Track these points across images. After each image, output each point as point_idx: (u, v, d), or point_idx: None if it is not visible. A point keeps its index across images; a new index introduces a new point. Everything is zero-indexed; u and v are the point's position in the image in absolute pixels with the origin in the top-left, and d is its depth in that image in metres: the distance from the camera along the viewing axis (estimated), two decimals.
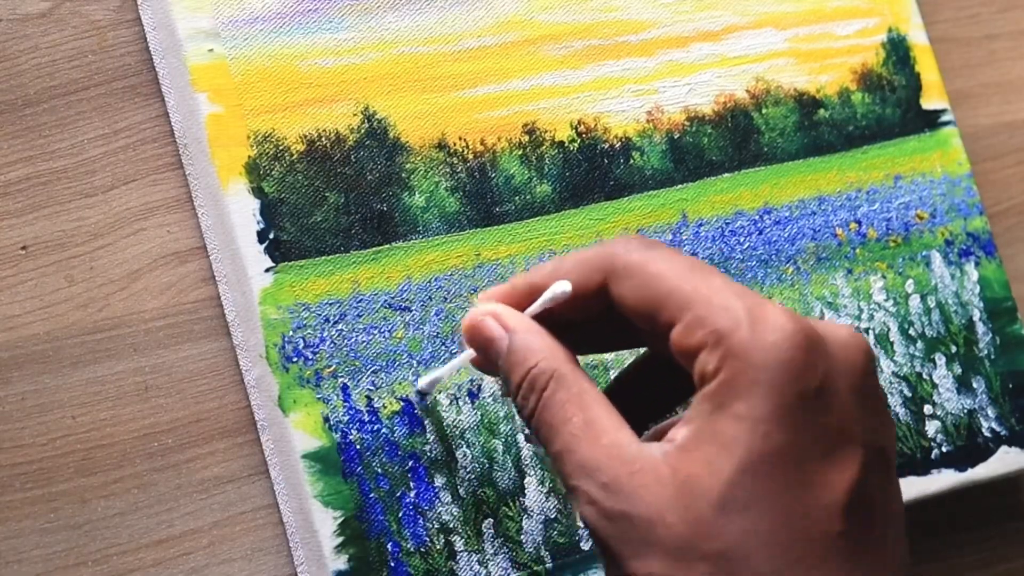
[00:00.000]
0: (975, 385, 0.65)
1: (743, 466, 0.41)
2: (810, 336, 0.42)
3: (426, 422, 0.56)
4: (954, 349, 0.65)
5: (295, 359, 0.55)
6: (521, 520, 0.57)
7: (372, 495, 0.55)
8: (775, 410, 0.41)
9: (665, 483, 0.42)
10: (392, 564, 0.54)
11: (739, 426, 0.41)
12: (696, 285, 0.44)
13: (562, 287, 0.46)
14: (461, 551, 0.56)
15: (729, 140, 0.64)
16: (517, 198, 0.59)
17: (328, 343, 0.55)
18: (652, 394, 0.50)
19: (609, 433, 0.44)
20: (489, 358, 0.48)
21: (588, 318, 0.48)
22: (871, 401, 0.44)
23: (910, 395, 0.64)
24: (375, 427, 0.55)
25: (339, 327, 0.56)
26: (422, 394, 0.56)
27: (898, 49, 0.68)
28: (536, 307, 0.47)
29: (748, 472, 0.41)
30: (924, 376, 0.64)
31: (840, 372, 0.43)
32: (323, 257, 0.56)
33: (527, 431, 0.51)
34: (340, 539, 0.54)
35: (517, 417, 0.54)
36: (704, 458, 0.42)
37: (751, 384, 0.42)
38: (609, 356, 0.59)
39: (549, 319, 0.48)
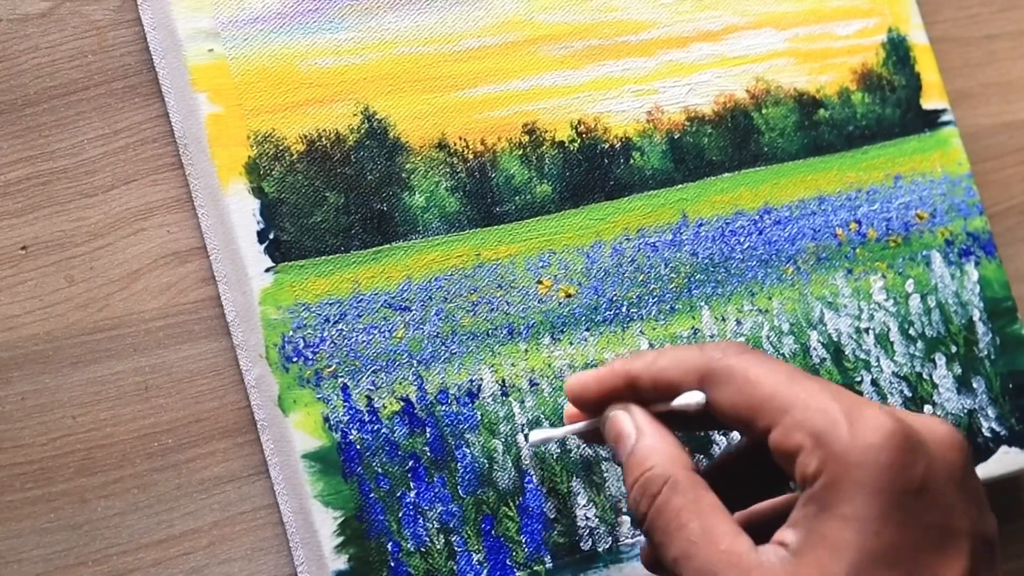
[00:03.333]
0: (975, 385, 0.65)
1: (856, 566, 0.43)
2: (909, 435, 0.44)
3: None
4: (954, 349, 0.65)
5: (295, 359, 0.55)
6: (521, 520, 0.57)
7: (372, 495, 0.55)
8: (881, 509, 0.43)
9: None
10: (392, 564, 0.54)
11: (847, 527, 0.43)
12: (794, 389, 0.45)
13: (696, 398, 0.48)
14: (461, 551, 0.56)
15: (729, 140, 0.64)
16: (517, 198, 0.59)
17: (328, 343, 0.55)
18: (747, 478, 0.52)
19: (727, 539, 0.45)
20: (617, 451, 0.50)
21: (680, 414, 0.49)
22: (971, 493, 0.45)
23: (910, 395, 0.64)
24: (375, 427, 0.55)
25: (339, 327, 0.56)
26: (531, 446, 0.57)
27: (898, 49, 0.68)
28: (664, 408, 0.49)
29: (861, 572, 0.42)
30: (924, 376, 0.64)
31: (940, 468, 0.44)
32: (323, 257, 0.56)
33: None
34: (340, 539, 0.54)
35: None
36: (817, 561, 0.43)
37: (854, 485, 0.43)
38: None
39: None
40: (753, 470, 0.51)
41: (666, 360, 0.49)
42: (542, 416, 0.58)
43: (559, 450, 0.58)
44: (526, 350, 0.58)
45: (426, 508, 0.55)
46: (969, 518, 0.45)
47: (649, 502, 0.47)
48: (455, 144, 0.59)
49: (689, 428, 0.53)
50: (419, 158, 0.58)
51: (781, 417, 0.45)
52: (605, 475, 0.58)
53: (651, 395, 0.49)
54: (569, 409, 0.53)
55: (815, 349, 0.63)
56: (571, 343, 0.59)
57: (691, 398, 0.48)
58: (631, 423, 0.49)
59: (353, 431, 0.55)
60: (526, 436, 0.57)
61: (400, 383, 0.56)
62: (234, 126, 0.55)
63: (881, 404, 0.45)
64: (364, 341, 0.56)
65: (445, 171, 0.58)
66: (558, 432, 0.53)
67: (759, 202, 0.64)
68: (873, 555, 0.43)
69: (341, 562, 0.54)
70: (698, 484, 0.47)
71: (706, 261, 0.62)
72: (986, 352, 0.66)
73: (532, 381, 0.58)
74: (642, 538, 0.58)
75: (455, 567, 0.55)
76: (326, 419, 0.54)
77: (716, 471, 0.52)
